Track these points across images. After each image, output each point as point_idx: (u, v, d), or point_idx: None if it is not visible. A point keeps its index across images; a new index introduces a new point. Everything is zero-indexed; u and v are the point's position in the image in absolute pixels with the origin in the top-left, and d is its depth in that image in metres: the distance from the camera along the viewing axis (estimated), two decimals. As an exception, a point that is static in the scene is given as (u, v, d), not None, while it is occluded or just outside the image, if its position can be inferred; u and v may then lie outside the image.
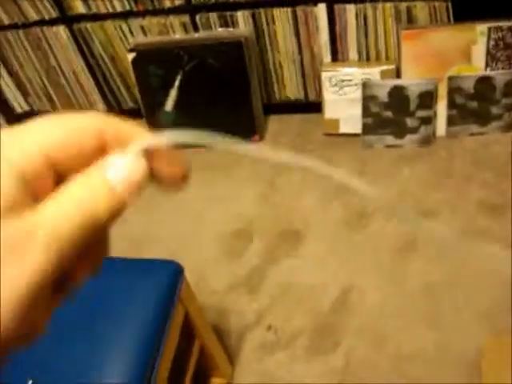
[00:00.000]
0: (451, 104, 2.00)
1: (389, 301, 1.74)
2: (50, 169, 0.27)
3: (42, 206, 0.26)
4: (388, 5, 1.88)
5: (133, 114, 2.29)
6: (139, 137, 0.30)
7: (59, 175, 0.28)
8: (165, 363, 1.20)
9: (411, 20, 1.91)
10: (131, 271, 1.24)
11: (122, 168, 0.28)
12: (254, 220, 2.00)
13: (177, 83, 2.10)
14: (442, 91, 1.99)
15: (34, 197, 0.26)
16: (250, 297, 1.82)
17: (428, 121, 2.02)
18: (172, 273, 1.24)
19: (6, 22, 2.16)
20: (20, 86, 2.42)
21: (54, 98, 2.43)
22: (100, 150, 0.29)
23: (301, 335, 1.72)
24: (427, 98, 1.99)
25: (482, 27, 1.87)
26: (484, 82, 1.95)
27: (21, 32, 2.19)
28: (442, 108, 2.02)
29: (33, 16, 2.12)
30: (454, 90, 1.98)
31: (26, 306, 0.25)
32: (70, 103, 2.44)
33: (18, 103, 2.50)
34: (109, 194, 0.28)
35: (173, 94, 2.13)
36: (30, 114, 2.53)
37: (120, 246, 1.99)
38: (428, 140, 2.05)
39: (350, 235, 1.91)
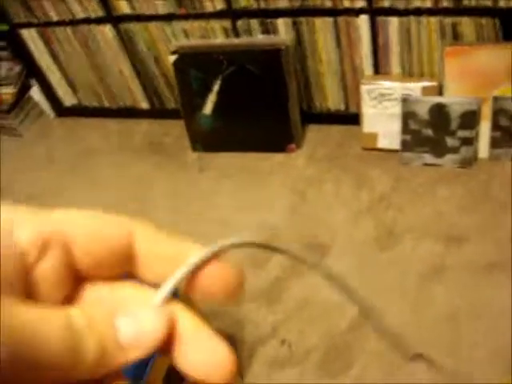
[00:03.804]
0: (495, 125, 1.92)
1: (408, 326, 1.68)
2: (64, 254, 0.24)
3: (25, 303, 0.21)
4: (432, 19, 1.82)
5: (175, 114, 2.31)
6: (176, 256, 0.26)
7: (73, 272, 0.25)
8: (158, 368, 1.20)
9: (456, 36, 1.84)
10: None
11: (138, 322, 0.24)
12: (282, 230, 1.98)
13: (216, 87, 2.10)
14: (486, 111, 1.91)
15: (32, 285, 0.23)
16: (267, 309, 1.80)
17: (469, 141, 1.94)
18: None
19: (55, 18, 2.21)
20: (68, 80, 2.48)
21: (101, 94, 2.48)
22: (126, 258, 0.25)
23: (314, 353, 1.69)
24: (470, 118, 1.91)
25: (531, 47, 1.78)
26: (531, 104, 1.86)
27: (69, 29, 2.24)
28: (485, 129, 1.94)
29: (80, 14, 2.16)
30: (498, 111, 1.89)
31: None
32: (116, 100, 2.48)
33: (67, 97, 2.56)
34: (111, 337, 0.23)
35: (212, 97, 2.13)
36: (78, 109, 2.59)
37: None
38: (469, 161, 1.97)
39: (377, 255, 1.86)
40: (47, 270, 0.23)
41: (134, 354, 0.24)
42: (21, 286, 0.22)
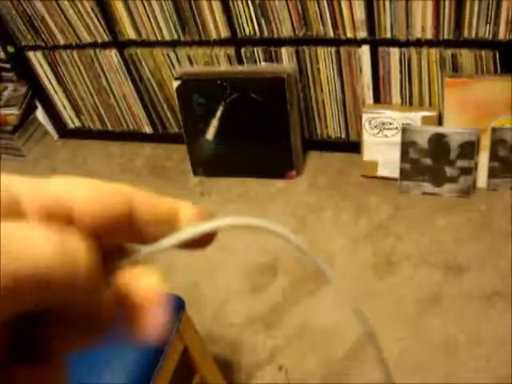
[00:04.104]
0: (493, 156, 1.94)
1: (406, 354, 1.68)
2: (65, 221, 0.24)
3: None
4: (433, 51, 1.85)
5: (177, 138, 2.34)
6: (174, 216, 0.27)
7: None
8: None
9: (456, 68, 1.87)
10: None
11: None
12: (281, 256, 1.99)
13: (218, 113, 2.13)
14: (485, 142, 1.93)
15: None
16: (265, 334, 1.81)
17: (468, 171, 1.96)
18: (172, 306, 1.25)
19: (62, 42, 2.25)
20: (73, 103, 2.51)
21: (104, 117, 2.51)
22: (129, 220, 0.26)
23: (311, 379, 1.69)
24: (468, 148, 1.93)
25: (529, 80, 1.81)
26: (529, 136, 1.89)
27: (75, 53, 2.27)
28: (483, 159, 1.96)
29: (86, 38, 2.20)
30: (497, 142, 1.92)
31: None
32: (119, 123, 2.51)
33: (71, 119, 2.59)
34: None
35: (214, 123, 2.15)
36: (81, 131, 2.62)
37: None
38: (467, 191, 1.99)
39: (375, 282, 1.87)
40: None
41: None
42: None
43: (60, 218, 0.24)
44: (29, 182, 0.24)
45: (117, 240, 0.26)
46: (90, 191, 0.25)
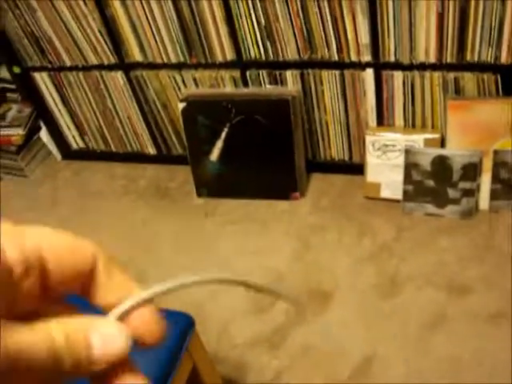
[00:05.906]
0: (495, 178, 1.97)
1: (411, 374, 1.69)
2: (40, 270, 0.28)
3: (16, 327, 0.26)
4: (436, 74, 1.88)
5: (181, 160, 2.35)
6: (127, 290, 0.31)
7: (45, 283, 0.29)
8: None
9: (458, 90, 1.90)
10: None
11: (107, 336, 0.29)
12: (285, 276, 2.00)
13: (223, 135, 2.15)
14: (487, 164, 1.96)
15: (12, 299, 0.27)
16: (270, 354, 1.80)
17: (471, 193, 1.98)
18: (182, 325, 1.25)
19: (68, 63, 2.28)
20: (77, 124, 2.53)
21: (108, 138, 2.53)
22: (89, 276, 0.30)
23: (317, 399, 1.69)
24: (471, 170, 1.96)
25: (531, 103, 1.84)
26: (531, 158, 1.91)
27: (81, 74, 2.30)
28: (485, 181, 1.98)
29: (93, 60, 2.23)
30: (499, 164, 1.94)
31: None
32: (123, 144, 2.53)
33: (75, 140, 2.61)
34: (84, 353, 0.28)
35: (219, 144, 2.17)
36: (85, 152, 2.64)
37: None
38: (470, 212, 2.01)
39: (379, 302, 1.87)
40: (30, 286, 0.28)
41: (104, 364, 0.29)
42: (8, 302, 0.27)
43: (36, 266, 0.28)
44: (9, 231, 0.27)
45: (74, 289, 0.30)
46: (64, 248, 0.30)
